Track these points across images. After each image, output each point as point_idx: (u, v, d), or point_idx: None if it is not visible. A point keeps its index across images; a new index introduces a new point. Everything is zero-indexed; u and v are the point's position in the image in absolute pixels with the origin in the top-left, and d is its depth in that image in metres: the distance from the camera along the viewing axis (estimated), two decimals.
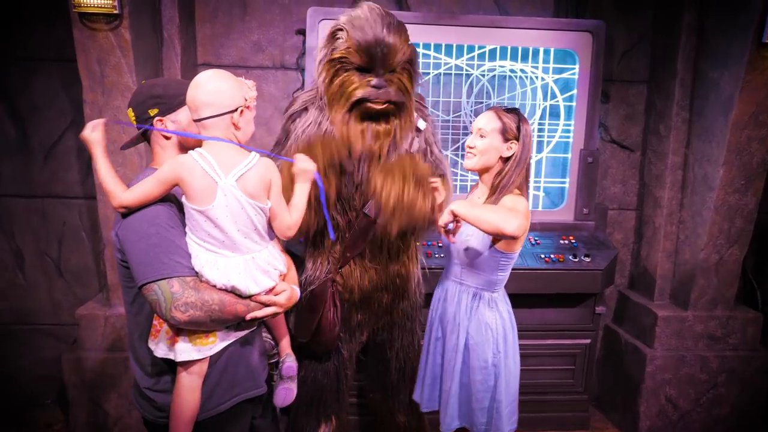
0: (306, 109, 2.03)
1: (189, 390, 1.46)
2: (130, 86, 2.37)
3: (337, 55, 1.91)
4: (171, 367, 1.49)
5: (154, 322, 1.48)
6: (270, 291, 1.51)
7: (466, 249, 1.93)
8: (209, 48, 2.91)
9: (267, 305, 1.51)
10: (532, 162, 2.97)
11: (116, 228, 1.45)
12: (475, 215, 1.74)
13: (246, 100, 1.45)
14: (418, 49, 2.79)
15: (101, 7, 2.21)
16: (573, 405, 2.98)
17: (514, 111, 1.92)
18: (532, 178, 2.99)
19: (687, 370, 2.89)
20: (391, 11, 2.79)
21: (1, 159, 2.97)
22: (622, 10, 3.00)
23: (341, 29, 1.91)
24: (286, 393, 1.74)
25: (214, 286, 1.43)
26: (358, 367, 2.42)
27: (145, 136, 1.60)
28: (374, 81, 1.90)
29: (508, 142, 1.89)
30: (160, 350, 1.46)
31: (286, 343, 1.79)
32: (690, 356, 2.88)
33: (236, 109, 1.43)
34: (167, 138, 1.53)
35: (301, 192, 1.60)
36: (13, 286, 3.11)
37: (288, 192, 1.60)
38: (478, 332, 1.93)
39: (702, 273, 2.83)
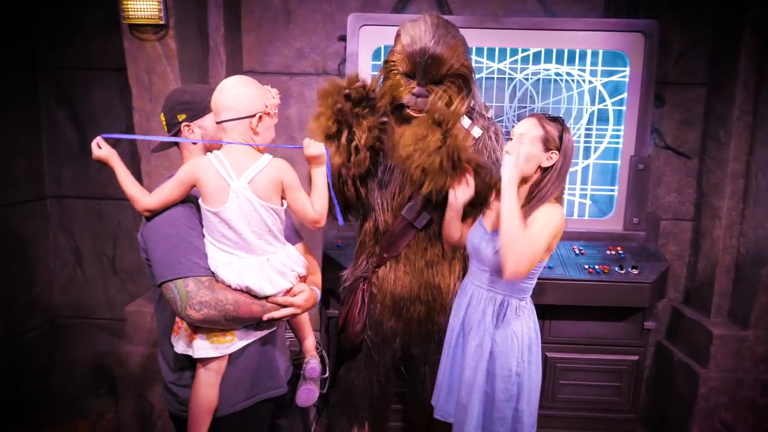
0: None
1: (207, 386, 1.49)
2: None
3: (390, 59, 1.98)
4: (192, 364, 1.53)
5: (176, 319, 1.53)
6: (287, 292, 1.53)
7: (493, 258, 1.87)
8: (254, 55, 2.99)
9: (284, 306, 1.52)
10: (579, 168, 2.88)
11: (141, 230, 1.52)
12: (507, 209, 1.71)
13: (267, 106, 1.48)
14: None
15: (148, 18, 2.32)
16: (618, 424, 2.83)
17: (557, 119, 1.84)
18: (577, 186, 2.89)
19: (745, 393, 2.69)
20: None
21: (63, 162, 3.18)
22: (679, 8, 2.84)
23: (400, 34, 1.98)
24: (308, 393, 1.74)
25: (229, 287, 1.46)
26: (399, 375, 2.39)
27: (175, 142, 1.66)
28: (416, 90, 1.94)
29: (549, 152, 1.81)
30: (179, 347, 1.51)
31: (310, 344, 1.81)
32: (749, 379, 2.68)
33: (255, 115, 1.47)
34: (193, 143, 1.57)
35: (318, 179, 1.58)
36: (73, 282, 3.31)
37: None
38: (504, 340, 1.87)
39: (764, 290, 2.62)
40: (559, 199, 1.85)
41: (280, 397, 1.69)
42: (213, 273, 1.47)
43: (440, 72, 1.92)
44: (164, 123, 1.62)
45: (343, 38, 2.92)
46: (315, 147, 1.57)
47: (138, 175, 3.09)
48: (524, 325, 1.88)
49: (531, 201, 1.82)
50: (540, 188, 1.82)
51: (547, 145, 1.80)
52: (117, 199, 3.17)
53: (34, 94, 3.10)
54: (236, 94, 1.46)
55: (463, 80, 2.00)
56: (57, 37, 3.05)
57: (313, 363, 1.77)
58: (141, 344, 2.82)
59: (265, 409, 1.64)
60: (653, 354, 3.13)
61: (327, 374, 2.13)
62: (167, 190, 1.46)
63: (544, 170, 1.83)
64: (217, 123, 1.49)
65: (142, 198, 1.46)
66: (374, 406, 2.30)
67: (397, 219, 2.06)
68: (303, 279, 1.64)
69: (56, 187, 3.22)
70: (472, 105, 2.09)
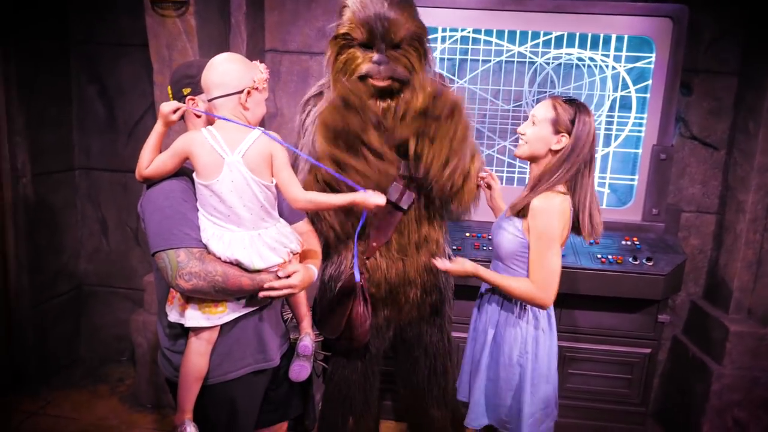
0: (321, 93, 2.01)
1: (197, 354, 1.54)
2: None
3: (341, 31, 1.85)
4: (186, 331, 1.58)
5: (170, 288, 1.58)
6: (281, 266, 1.55)
7: (501, 244, 1.86)
8: (276, 34, 3.01)
9: (276, 286, 1.54)
10: (599, 156, 2.81)
11: (141, 200, 1.56)
12: (499, 285, 1.82)
13: (255, 81, 1.50)
14: (479, 36, 2.75)
15: None
16: (628, 416, 2.80)
17: (574, 103, 1.77)
18: (596, 174, 2.83)
19: (761, 392, 2.62)
20: None
21: (91, 135, 3.28)
22: None
23: (346, 5, 1.85)
24: (300, 369, 1.77)
25: (219, 259, 1.49)
26: (388, 362, 2.37)
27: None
28: (376, 57, 1.82)
29: (559, 135, 1.76)
30: (173, 315, 1.55)
31: (306, 323, 1.84)
32: (765, 378, 2.61)
33: (243, 90, 1.49)
34: (198, 116, 1.61)
35: (337, 200, 1.61)
36: (98, 251, 3.43)
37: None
38: (507, 328, 1.86)
39: None
40: (572, 188, 1.77)
41: (274, 371, 1.72)
42: (205, 245, 1.50)
43: (399, 35, 1.81)
44: (171, 95, 1.65)
45: None
46: (376, 197, 1.57)
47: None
48: (530, 317, 1.84)
49: (535, 184, 1.79)
50: (544, 171, 1.79)
51: (556, 127, 1.75)
52: None
53: (65, 68, 3.20)
54: (223, 70, 1.48)
55: (419, 42, 1.89)
56: (88, 12, 3.12)
57: (306, 341, 1.80)
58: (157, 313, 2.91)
59: (257, 381, 1.68)
60: (669, 348, 3.06)
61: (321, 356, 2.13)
62: (161, 160, 1.50)
63: (555, 153, 1.78)
64: (209, 101, 1.52)
65: (142, 167, 1.51)
66: (368, 398, 2.28)
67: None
68: (299, 256, 1.66)
69: (84, 159, 3.33)
70: (431, 72, 2.01)
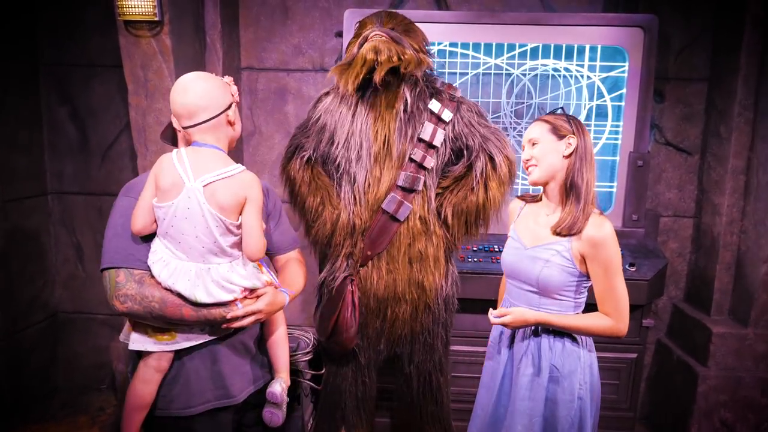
0: (328, 93, 2.09)
1: (142, 381, 1.47)
2: (170, 89, 2.48)
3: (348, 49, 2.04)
4: (139, 358, 1.52)
5: None
6: (239, 300, 1.48)
7: (549, 279, 1.68)
8: (252, 52, 2.99)
9: (240, 314, 1.48)
10: None
11: None
12: (576, 328, 1.70)
13: (233, 95, 1.47)
14: (456, 49, 2.77)
15: (143, 14, 2.32)
16: (617, 422, 2.80)
17: (558, 110, 1.76)
18: None
19: (746, 392, 2.65)
20: (431, 11, 2.80)
21: (64, 159, 3.20)
22: (680, 3, 2.80)
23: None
24: (271, 416, 1.66)
25: (160, 285, 1.43)
26: (385, 375, 2.36)
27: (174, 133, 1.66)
28: (376, 27, 1.97)
29: (565, 139, 1.66)
30: (122, 335, 1.51)
31: (282, 366, 1.71)
32: (749, 378, 2.65)
33: (230, 106, 1.45)
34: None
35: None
36: (74, 278, 3.34)
37: None
38: (565, 363, 1.71)
39: (764, 287, 2.59)
40: (595, 199, 1.69)
41: (239, 407, 1.61)
42: (149, 267, 1.44)
43: (394, 21, 1.99)
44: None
45: (340, 34, 2.91)
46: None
47: (135, 172, 3.12)
48: (582, 343, 1.75)
49: (569, 194, 1.67)
50: (571, 175, 1.66)
51: (558, 133, 1.68)
52: (117, 196, 3.17)
53: (34, 90, 3.12)
54: (204, 91, 1.42)
55: (419, 41, 2.04)
56: (57, 33, 3.07)
57: (274, 387, 1.66)
58: None
59: (221, 417, 1.57)
60: (654, 352, 3.10)
61: (323, 370, 2.10)
62: (142, 194, 1.46)
63: (569, 157, 1.68)
64: (188, 127, 1.43)
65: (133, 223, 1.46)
66: (361, 407, 2.27)
67: (376, 214, 2.00)
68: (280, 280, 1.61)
69: (57, 183, 3.24)
70: (437, 85, 2.07)
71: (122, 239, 1.44)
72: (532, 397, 1.74)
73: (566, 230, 1.66)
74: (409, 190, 1.99)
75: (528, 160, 1.73)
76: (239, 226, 1.45)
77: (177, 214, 1.39)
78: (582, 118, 2.81)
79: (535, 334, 1.76)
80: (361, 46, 1.94)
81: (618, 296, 1.66)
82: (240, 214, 1.44)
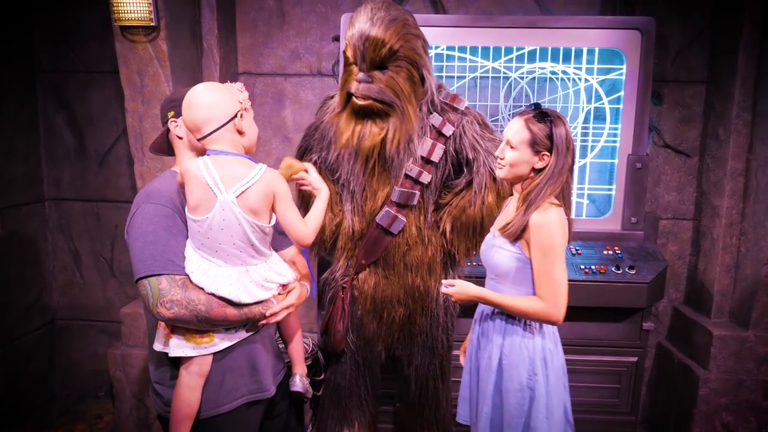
0: (333, 96, 2.10)
1: (187, 388, 1.48)
2: (167, 95, 2.47)
3: (344, 50, 1.93)
4: (176, 364, 1.52)
5: None
6: (275, 297, 1.54)
7: (499, 264, 1.79)
8: (249, 57, 2.99)
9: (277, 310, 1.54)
10: (576, 167, 2.83)
11: (126, 227, 1.51)
12: (509, 307, 1.74)
13: (241, 103, 1.47)
14: (453, 53, 2.76)
15: (139, 20, 2.32)
16: (618, 426, 2.79)
17: (545, 117, 1.72)
18: (574, 185, 2.85)
19: (747, 395, 2.64)
20: (428, 15, 2.79)
21: (61, 165, 3.19)
22: (677, 5, 2.80)
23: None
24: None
25: (203, 289, 1.44)
26: (387, 376, 2.37)
27: (168, 140, 1.66)
28: (359, 75, 1.84)
29: (540, 154, 1.71)
30: (158, 345, 1.50)
31: (299, 358, 1.82)
32: (750, 380, 2.63)
33: (236, 115, 1.45)
34: (180, 138, 1.57)
35: (319, 204, 1.61)
36: (72, 284, 3.32)
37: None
38: (512, 352, 1.78)
39: (765, 289, 2.58)
40: (561, 197, 1.74)
41: (269, 400, 1.67)
42: (188, 275, 1.45)
43: (380, 54, 1.80)
44: (161, 123, 1.65)
45: (337, 39, 2.90)
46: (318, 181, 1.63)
47: (132, 178, 3.11)
48: (537, 336, 1.78)
49: (526, 203, 1.74)
50: (532, 189, 1.73)
51: (535, 147, 1.70)
52: (114, 202, 3.17)
53: (31, 97, 3.12)
54: (208, 103, 1.43)
55: (411, 64, 1.88)
56: (54, 39, 3.06)
57: (298, 383, 1.79)
58: (137, 346, 2.82)
59: (251, 413, 1.62)
60: (654, 355, 3.09)
61: (322, 376, 2.13)
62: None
63: (539, 171, 1.74)
64: (201, 139, 1.46)
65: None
66: (362, 407, 2.27)
67: (371, 226, 2.01)
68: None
69: (54, 190, 3.23)
70: (440, 97, 2.02)
71: (157, 246, 1.43)
72: (486, 379, 1.84)
73: (508, 235, 1.75)
74: (402, 206, 1.98)
75: (501, 158, 1.78)
76: (272, 227, 1.51)
77: (213, 227, 1.41)
78: (580, 120, 2.81)
79: (493, 318, 1.84)
80: (348, 78, 1.91)
81: (554, 282, 1.68)
82: (271, 211, 1.49)
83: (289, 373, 1.81)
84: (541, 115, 1.73)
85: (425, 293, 2.06)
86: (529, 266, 1.74)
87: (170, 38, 2.42)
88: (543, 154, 1.71)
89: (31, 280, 3.18)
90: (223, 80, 2.78)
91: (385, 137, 1.89)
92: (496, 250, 1.79)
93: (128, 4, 2.30)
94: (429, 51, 2.03)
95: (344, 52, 1.92)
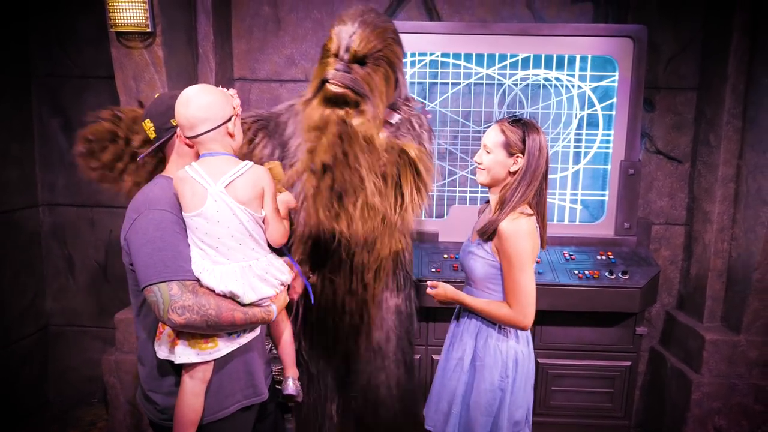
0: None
1: (192, 395, 1.48)
2: (156, 101, 2.47)
3: (326, 42, 1.98)
4: (175, 371, 1.52)
5: (159, 324, 1.52)
6: (273, 298, 1.56)
7: (473, 269, 1.85)
8: (244, 63, 3.00)
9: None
10: (569, 173, 2.87)
11: (125, 233, 1.49)
12: (480, 310, 1.83)
13: (234, 108, 1.50)
14: (448, 60, 2.78)
15: (135, 26, 2.32)
16: (612, 430, 2.80)
17: (519, 122, 1.79)
18: (568, 191, 2.88)
19: (739, 399, 2.66)
20: (422, 22, 2.81)
21: (55, 170, 3.19)
22: (669, 13, 2.84)
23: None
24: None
25: (213, 292, 1.45)
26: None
27: (160, 147, 1.64)
28: (338, 65, 1.90)
29: (513, 157, 1.78)
30: (161, 352, 1.49)
31: (290, 361, 1.83)
32: (743, 384, 2.65)
33: (230, 119, 1.48)
34: (190, 146, 1.55)
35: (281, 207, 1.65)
36: (65, 290, 3.31)
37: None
38: (486, 354, 1.83)
39: (756, 294, 2.60)
40: (535, 205, 1.80)
41: (261, 404, 1.67)
42: (197, 278, 1.45)
43: (362, 49, 1.88)
44: (150, 128, 1.58)
45: None
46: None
47: None
48: (511, 339, 1.84)
49: (501, 205, 1.80)
50: (506, 191, 1.80)
51: (509, 150, 1.78)
52: (108, 207, 3.17)
53: (26, 102, 3.11)
54: (206, 104, 1.46)
55: (389, 65, 1.95)
56: (50, 44, 3.06)
57: (290, 386, 1.81)
58: (131, 352, 2.81)
59: (248, 416, 1.63)
60: (648, 360, 3.10)
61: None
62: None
63: (513, 174, 1.81)
64: (192, 137, 1.48)
65: None
66: (321, 416, 2.24)
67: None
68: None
69: (49, 195, 3.22)
70: (400, 96, 2.06)
71: (167, 252, 1.42)
72: (457, 378, 1.89)
73: (480, 234, 1.82)
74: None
75: (479, 163, 1.86)
76: (265, 219, 1.53)
77: (208, 219, 1.44)
78: (573, 127, 2.83)
79: (469, 317, 1.90)
80: (324, 67, 1.94)
81: (519, 290, 1.75)
82: (261, 205, 1.52)
83: (275, 375, 1.82)
84: (516, 120, 1.82)
85: (367, 303, 2.02)
86: (500, 272, 1.81)
87: (166, 44, 2.43)
88: (517, 156, 1.79)
89: (24, 285, 3.16)
90: (218, 86, 2.80)
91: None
92: (471, 256, 1.87)
93: (124, 10, 2.31)
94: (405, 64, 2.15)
95: (324, 45, 1.97)
